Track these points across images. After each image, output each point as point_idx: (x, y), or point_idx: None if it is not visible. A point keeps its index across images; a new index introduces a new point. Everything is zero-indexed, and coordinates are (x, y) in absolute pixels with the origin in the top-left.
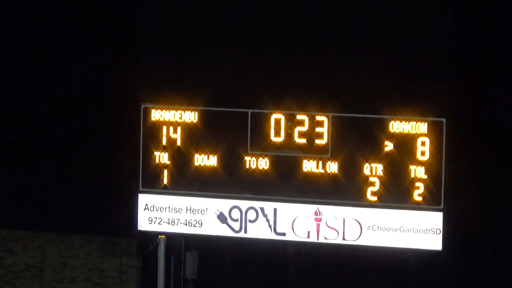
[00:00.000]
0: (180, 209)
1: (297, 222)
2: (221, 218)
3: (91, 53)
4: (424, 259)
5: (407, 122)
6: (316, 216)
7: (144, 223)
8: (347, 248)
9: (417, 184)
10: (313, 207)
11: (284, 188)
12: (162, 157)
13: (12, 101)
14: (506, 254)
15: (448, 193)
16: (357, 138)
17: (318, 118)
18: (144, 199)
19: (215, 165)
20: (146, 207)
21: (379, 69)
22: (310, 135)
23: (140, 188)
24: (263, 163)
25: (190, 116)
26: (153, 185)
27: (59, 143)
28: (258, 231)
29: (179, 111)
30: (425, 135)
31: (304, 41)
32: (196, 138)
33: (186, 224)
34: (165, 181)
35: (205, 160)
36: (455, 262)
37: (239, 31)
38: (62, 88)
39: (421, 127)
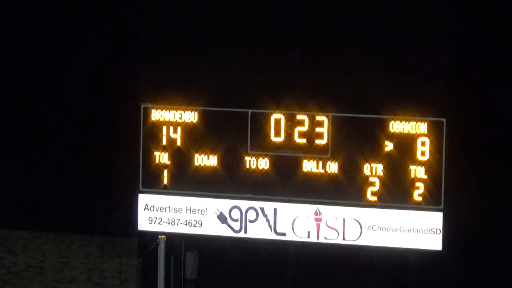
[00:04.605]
0: (180, 209)
1: (297, 222)
2: (221, 218)
3: (91, 54)
4: (424, 259)
5: (407, 122)
6: (316, 216)
7: (144, 223)
8: (347, 248)
9: (417, 184)
10: (313, 207)
11: (284, 188)
12: (162, 157)
13: (12, 100)
14: (506, 254)
15: (448, 193)
16: (357, 138)
17: (318, 118)
18: (144, 199)
19: (215, 165)
20: (146, 207)
21: (379, 69)
22: (310, 135)
23: (140, 188)
24: (263, 163)
25: (190, 116)
26: (153, 185)
27: (59, 143)
28: (258, 231)
29: (179, 111)
30: (425, 135)
31: (304, 41)
32: (196, 138)
33: (186, 224)
34: (165, 181)
35: (205, 160)
36: (455, 262)
37: (239, 31)
38: (62, 88)
39: (421, 127)
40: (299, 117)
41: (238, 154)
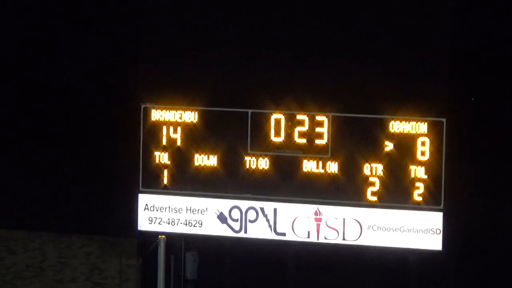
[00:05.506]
0: (180, 209)
1: (297, 222)
2: (221, 218)
3: (91, 53)
4: (424, 259)
5: (407, 122)
6: (316, 216)
7: (144, 223)
8: (347, 248)
9: (417, 184)
10: (313, 207)
11: (284, 188)
12: (162, 157)
13: (12, 100)
14: (506, 254)
15: (448, 193)
16: (357, 138)
17: (318, 118)
18: (144, 199)
19: (215, 165)
20: (146, 207)
21: (379, 69)
22: (310, 135)
23: (140, 188)
24: (263, 163)
25: (190, 116)
26: (153, 185)
27: (59, 143)
28: (258, 231)
29: (179, 111)
30: (425, 135)
31: (304, 41)
32: (196, 138)
33: (186, 224)
34: (165, 181)
35: (205, 160)
36: (455, 262)
37: (239, 31)
38: (62, 88)
39: (421, 127)
40: (299, 117)
41: (238, 154)
